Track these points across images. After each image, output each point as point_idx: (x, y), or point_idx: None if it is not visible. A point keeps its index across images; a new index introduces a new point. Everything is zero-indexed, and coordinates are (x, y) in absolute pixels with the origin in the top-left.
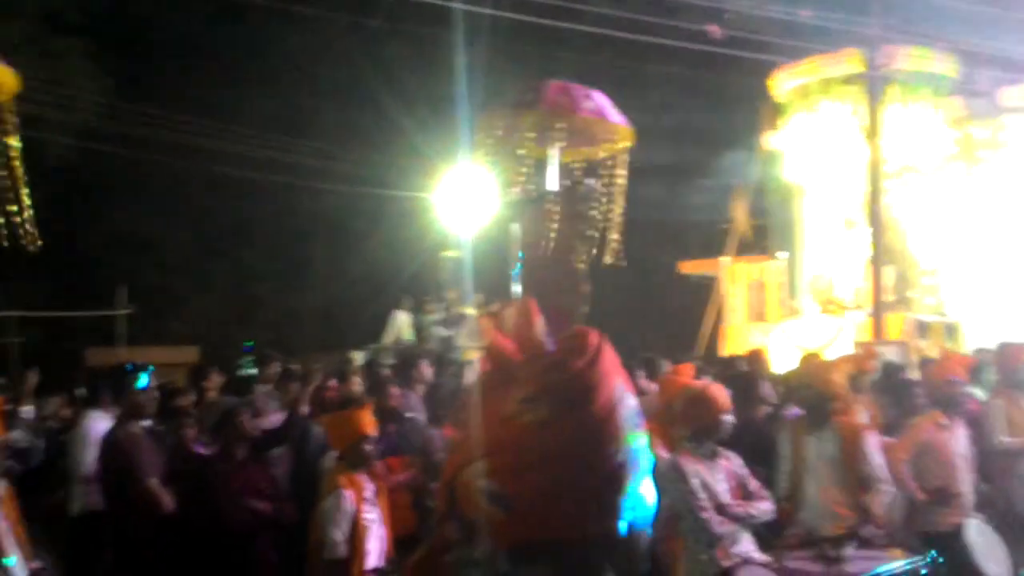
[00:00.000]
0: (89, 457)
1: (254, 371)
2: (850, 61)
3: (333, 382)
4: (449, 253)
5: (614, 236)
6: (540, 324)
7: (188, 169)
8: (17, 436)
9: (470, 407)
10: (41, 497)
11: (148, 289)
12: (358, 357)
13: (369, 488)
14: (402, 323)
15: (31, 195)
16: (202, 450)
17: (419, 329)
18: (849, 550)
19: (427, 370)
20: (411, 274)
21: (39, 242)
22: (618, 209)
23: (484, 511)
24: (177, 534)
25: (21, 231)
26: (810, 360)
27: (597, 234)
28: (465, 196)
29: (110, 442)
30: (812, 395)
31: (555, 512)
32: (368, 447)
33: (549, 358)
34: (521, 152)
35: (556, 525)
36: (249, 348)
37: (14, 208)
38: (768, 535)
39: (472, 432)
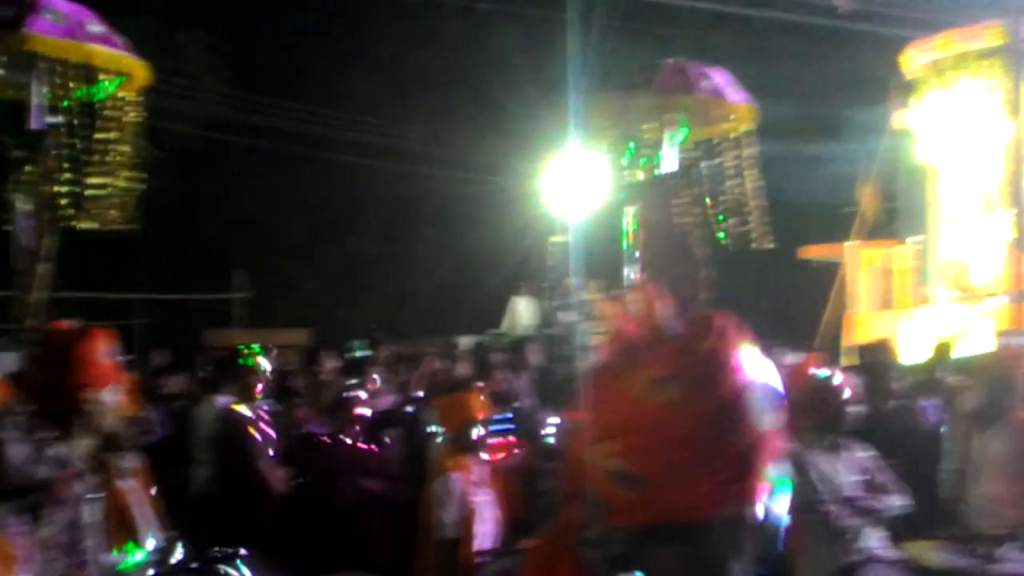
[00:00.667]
0: (207, 437)
1: (366, 353)
2: (990, 34)
3: (443, 366)
4: (557, 238)
5: (751, 218)
6: (664, 308)
7: (301, 156)
8: (146, 414)
9: (597, 389)
10: (162, 475)
11: (263, 273)
12: (466, 342)
13: (479, 471)
14: (521, 309)
15: (154, 181)
16: (315, 430)
17: (542, 315)
18: (1010, 551)
19: (536, 355)
20: (518, 260)
21: (139, 226)
22: (750, 189)
23: (614, 492)
24: (290, 513)
25: (135, 214)
26: (995, 352)
27: (724, 217)
28: (574, 181)
29: (224, 423)
30: (993, 387)
31: (686, 493)
32: (478, 431)
33: (677, 341)
34: (637, 135)
35: (687, 506)
36: (361, 331)
37: (129, 190)
38: (916, 531)
39: (600, 413)
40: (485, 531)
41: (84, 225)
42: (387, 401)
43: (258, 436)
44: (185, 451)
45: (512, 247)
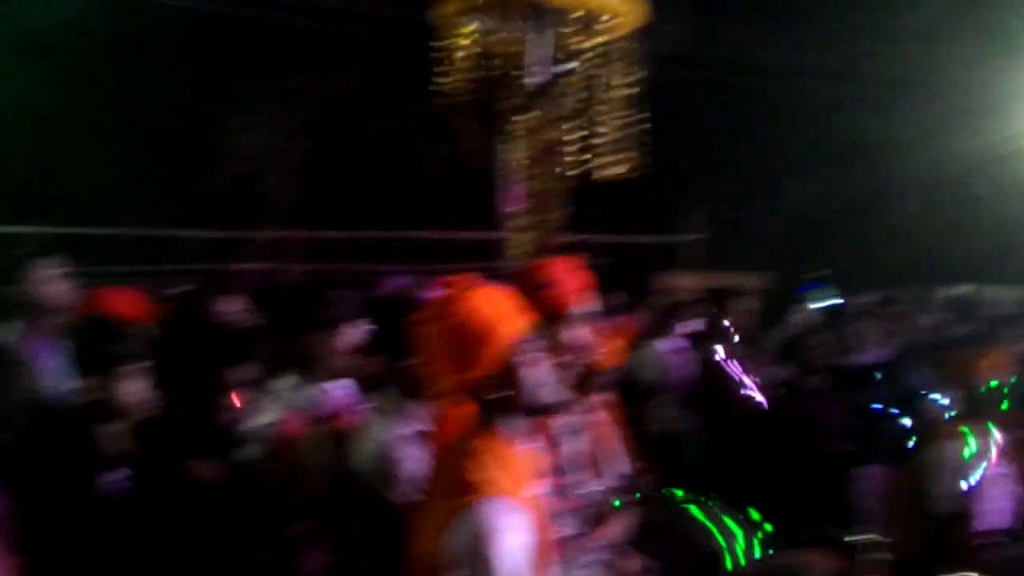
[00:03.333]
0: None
1: (839, 301)
2: None
3: (934, 319)
4: None
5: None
6: None
7: (761, 88)
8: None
9: None
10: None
11: (719, 214)
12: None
13: (997, 440)
14: None
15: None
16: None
17: None
18: None
19: None
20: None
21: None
22: None
23: None
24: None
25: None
26: None
27: None
28: None
29: (702, 361)
30: None
31: None
32: (992, 393)
33: None
34: None
35: None
36: (827, 277)
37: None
38: None
39: None
40: (997, 509)
41: (601, 173)
42: (875, 354)
43: (735, 378)
44: (638, 390)
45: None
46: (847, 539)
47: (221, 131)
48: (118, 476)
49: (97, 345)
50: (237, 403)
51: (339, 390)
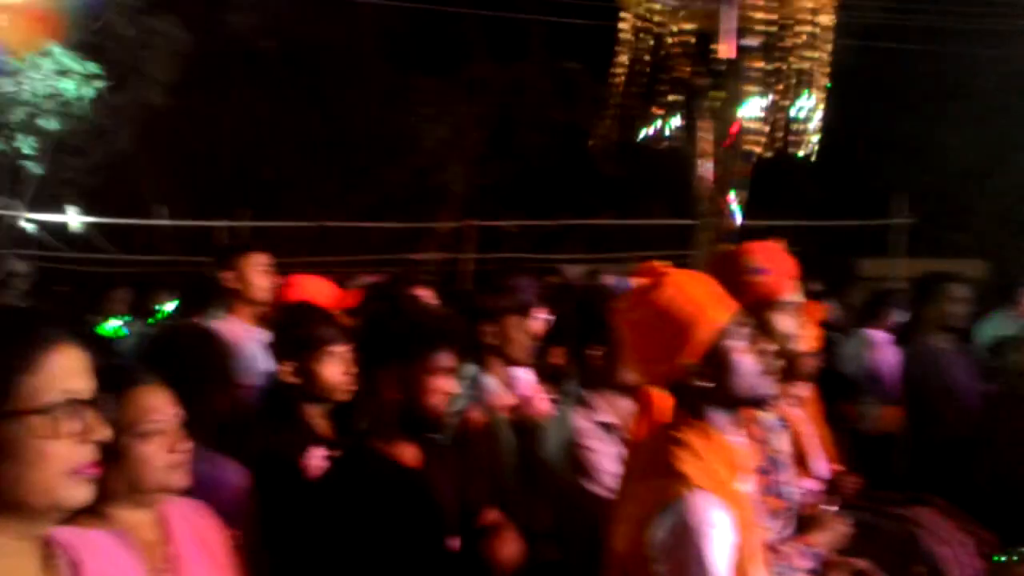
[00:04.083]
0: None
1: None
2: None
3: None
4: None
5: None
6: None
7: (975, 58)
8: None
9: None
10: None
11: (929, 197)
12: None
13: None
14: None
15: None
16: None
17: None
18: None
19: None
20: None
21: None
22: None
23: None
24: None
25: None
26: None
27: None
28: None
29: (917, 357)
30: None
31: None
32: None
33: None
34: None
35: None
36: None
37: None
38: None
39: None
40: None
41: (798, 153)
42: None
43: (948, 370)
44: (842, 385)
45: None
46: None
47: (404, 124)
48: (319, 455)
49: (298, 330)
50: (437, 388)
51: (522, 378)
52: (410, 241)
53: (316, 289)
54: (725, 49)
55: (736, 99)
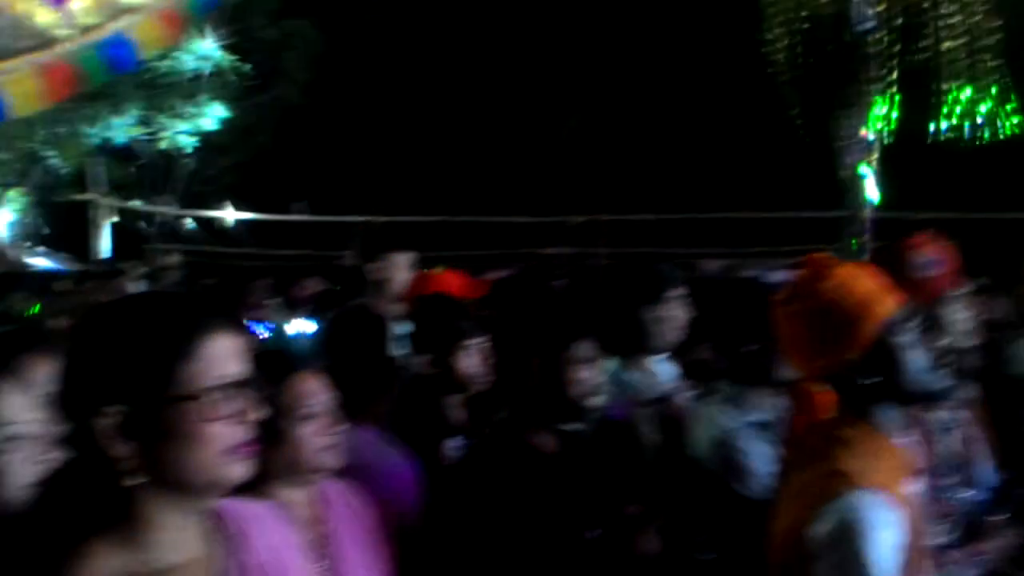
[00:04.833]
0: None
1: None
2: None
3: None
4: None
5: None
6: None
7: None
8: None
9: None
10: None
11: None
12: None
13: None
14: None
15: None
16: None
17: None
18: None
19: None
20: None
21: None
22: None
23: None
24: None
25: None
26: None
27: None
28: None
29: None
30: None
31: None
32: None
33: None
34: None
35: None
36: None
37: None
38: None
39: None
40: None
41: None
42: None
43: None
44: (1011, 388)
45: None
46: None
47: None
48: (457, 444)
49: (436, 323)
50: (579, 379)
51: (666, 372)
52: (543, 235)
53: (457, 282)
54: (869, 31)
55: (885, 83)
